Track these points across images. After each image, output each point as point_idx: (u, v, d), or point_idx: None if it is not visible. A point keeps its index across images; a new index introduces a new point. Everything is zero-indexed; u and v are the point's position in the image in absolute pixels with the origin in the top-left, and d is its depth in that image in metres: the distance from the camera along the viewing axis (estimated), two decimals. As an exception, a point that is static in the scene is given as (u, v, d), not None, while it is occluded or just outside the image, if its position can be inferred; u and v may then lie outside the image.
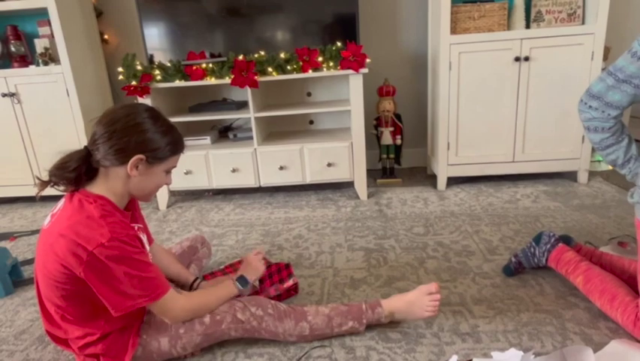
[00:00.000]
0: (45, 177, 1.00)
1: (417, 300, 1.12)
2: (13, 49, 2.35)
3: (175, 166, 1.09)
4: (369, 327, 1.16)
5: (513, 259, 1.39)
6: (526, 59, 2.02)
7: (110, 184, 1.00)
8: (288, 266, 1.37)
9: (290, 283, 1.35)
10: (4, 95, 2.30)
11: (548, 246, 1.30)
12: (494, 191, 2.18)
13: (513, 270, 1.38)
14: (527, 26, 2.11)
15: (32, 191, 2.49)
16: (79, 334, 1.01)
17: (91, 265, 0.90)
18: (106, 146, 0.96)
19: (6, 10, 2.25)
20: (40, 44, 2.33)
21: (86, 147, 1.00)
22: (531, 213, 1.87)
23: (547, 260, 1.31)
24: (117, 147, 0.96)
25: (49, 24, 2.23)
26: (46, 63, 2.32)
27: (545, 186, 2.19)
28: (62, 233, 0.93)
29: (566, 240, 1.37)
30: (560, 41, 2.00)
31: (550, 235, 1.32)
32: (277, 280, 1.33)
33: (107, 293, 0.94)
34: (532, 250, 1.34)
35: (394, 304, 1.15)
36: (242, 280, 1.17)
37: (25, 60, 2.39)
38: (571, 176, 2.26)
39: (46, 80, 2.29)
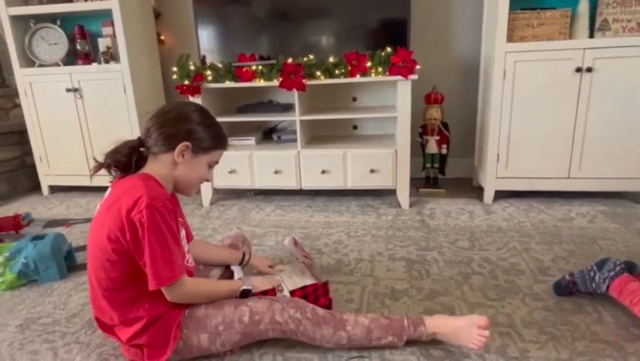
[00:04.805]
0: (100, 159, 1.08)
1: (465, 329, 1.06)
2: (78, 47, 2.51)
3: (217, 162, 1.16)
4: (410, 341, 1.12)
5: (567, 277, 1.30)
6: (589, 70, 1.91)
7: (157, 168, 1.08)
8: (325, 284, 1.26)
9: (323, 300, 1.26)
10: (69, 90, 2.46)
11: (612, 273, 1.21)
12: (546, 208, 2.06)
13: (564, 288, 1.30)
14: (591, 35, 1.99)
15: (88, 181, 2.65)
16: (126, 319, 1.05)
17: (132, 229, 0.96)
18: (157, 133, 1.06)
19: (75, 11, 2.41)
20: (103, 43, 2.47)
21: (138, 137, 1.09)
22: (587, 234, 1.75)
23: (608, 288, 1.21)
24: (167, 133, 1.06)
25: (112, 24, 2.37)
26: (107, 61, 2.45)
27: (603, 206, 2.04)
28: (109, 206, 1.01)
29: (630, 266, 1.26)
30: (628, 52, 1.87)
31: (615, 263, 1.22)
32: (312, 300, 1.23)
33: (146, 258, 0.96)
34: (591, 273, 1.25)
35: (439, 326, 1.10)
36: (247, 291, 1.14)
37: (89, 58, 2.54)
38: (632, 197, 2.10)
39: (106, 78, 2.43)
